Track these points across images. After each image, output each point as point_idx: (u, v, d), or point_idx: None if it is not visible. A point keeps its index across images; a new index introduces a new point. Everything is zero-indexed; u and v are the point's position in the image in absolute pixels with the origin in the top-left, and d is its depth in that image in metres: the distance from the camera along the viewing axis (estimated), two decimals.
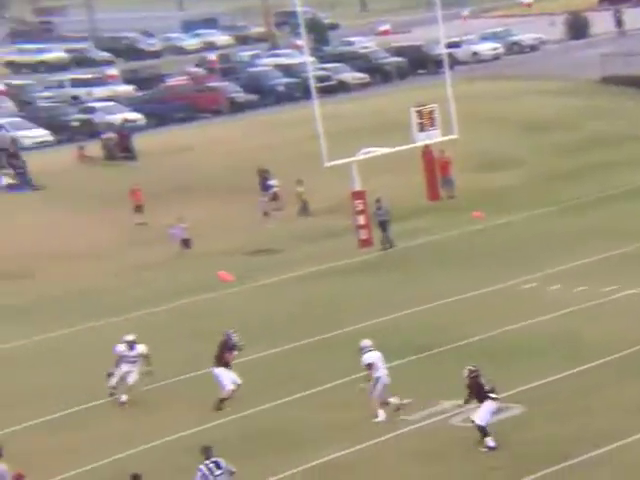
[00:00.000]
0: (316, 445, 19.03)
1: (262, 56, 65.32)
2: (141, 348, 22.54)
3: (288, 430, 19.93)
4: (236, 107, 55.07)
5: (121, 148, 46.16)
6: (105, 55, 74.57)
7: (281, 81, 57.74)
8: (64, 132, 50.96)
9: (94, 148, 46.29)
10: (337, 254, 31.38)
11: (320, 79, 53.24)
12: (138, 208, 39.12)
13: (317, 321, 26.13)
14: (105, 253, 36.25)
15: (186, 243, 35.47)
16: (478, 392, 18.93)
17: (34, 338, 27.20)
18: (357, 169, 35.03)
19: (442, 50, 42.23)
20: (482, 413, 18.71)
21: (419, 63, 62.14)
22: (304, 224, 37.43)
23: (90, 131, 49.98)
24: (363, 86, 59.08)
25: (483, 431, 18.65)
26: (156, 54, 75.81)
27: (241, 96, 56.01)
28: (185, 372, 23.76)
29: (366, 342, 20.73)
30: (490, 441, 18.52)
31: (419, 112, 37.22)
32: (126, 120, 49.70)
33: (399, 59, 61.74)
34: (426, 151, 39.50)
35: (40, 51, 74.94)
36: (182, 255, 35.08)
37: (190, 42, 79.25)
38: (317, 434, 19.61)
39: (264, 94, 56.51)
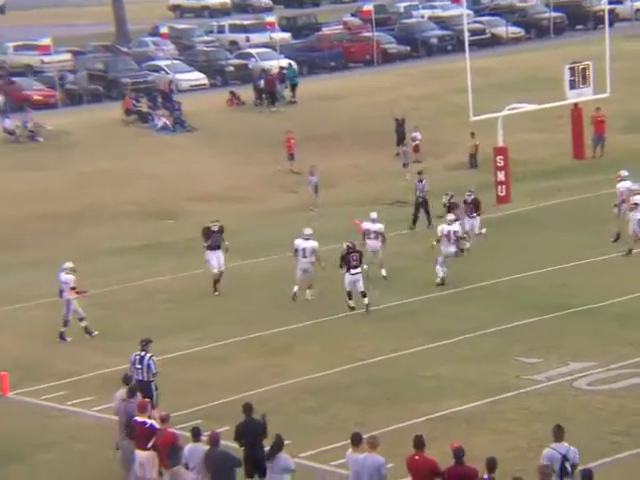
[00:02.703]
0: (440, 396, 19.35)
1: (418, 8, 65.14)
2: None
3: (413, 380, 20.30)
4: (388, 58, 55.32)
5: (268, 93, 47.14)
6: (266, 2, 75.52)
7: (434, 33, 57.62)
8: (219, 76, 52.28)
9: (246, 93, 47.36)
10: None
11: (474, 32, 53.01)
12: (291, 155, 39.93)
13: (449, 276, 26.42)
14: (248, 196, 37.26)
15: (315, 191, 36.20)
16: None
17: (181, 274, 28.32)
18: (502, 125, 34.96)
19: (604, 5, 41.43)
20: None
21: (578, 18, 61.00)
22: (441, 177, 37.62)
23: (244, 76, 51.09)
24: (517, 40, 58.46)
25: None
26: (315, 2, 76.38)
27: (393, 47, 56.20)
28: (320, 316, 24.38)
29: None
30: None
31: (572, 69, 36.82)
32: (280, 67, 50.54)
33: (557, 14, 60.74)
34: (576, 109, 39.09)
35: None
36: (316, 203, 35.75)
37: None
38: (442, 386, 19.94)
39: (417, 46, 56.57)
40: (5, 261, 31.03)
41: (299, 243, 25.31)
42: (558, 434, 14.48)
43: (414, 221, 31.41)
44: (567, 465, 14.22)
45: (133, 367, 18.40)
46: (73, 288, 23.79)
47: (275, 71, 50.45)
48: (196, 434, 15.49)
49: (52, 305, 26.22)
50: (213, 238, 26.56)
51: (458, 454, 14.16)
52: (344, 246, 24.71)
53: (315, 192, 36.08)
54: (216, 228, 26.69)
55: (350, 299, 24.60)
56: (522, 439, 17.45)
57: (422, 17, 61.89)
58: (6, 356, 22.28)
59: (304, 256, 25.17)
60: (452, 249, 26.09)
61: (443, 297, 25.15)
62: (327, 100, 46.89)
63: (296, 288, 25.36)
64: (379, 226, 26.70)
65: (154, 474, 16.00)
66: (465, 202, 29.16)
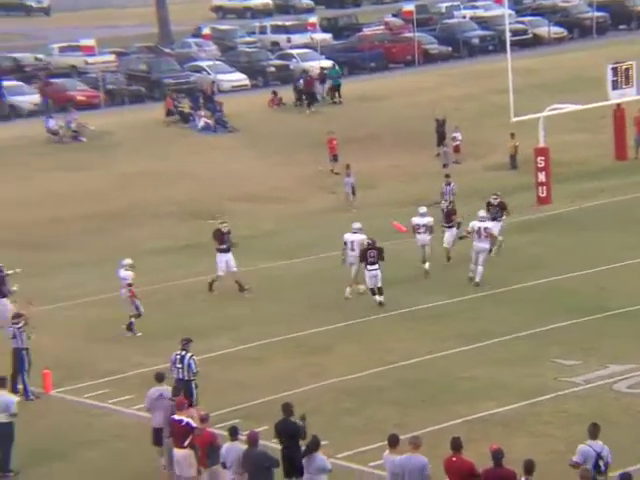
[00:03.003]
0: (476, 398, 19.35)
1: (459, 8, 65.04)
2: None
3: (449, 382, 20.33)
4: (429, 58, 55.29)
5: (308, 94, 47.30)
6: (308, 2, 75.72)
7: (476, 33, 57.54)
8: (260, 77, 52.51)
9: (287, 94, 47.53)
10: (513, 210, 31.28)
11: (516, 32, 52.86)
12: (334, 157, 40.03)
13: (486, 278, 26.42)
14: (288, 197, 37.42)
15: (353, 191, 36.27)
16: None
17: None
18: (543, 125, 34.85)
19: None
20: None
21: (621, 18, 60.63)
22: (481, 178, 37.57)
23: (285, 77, 51.27)
24: (559, 40, 58.20)
25: None
26: (356, 3, 76.45)
27: (434, 47, 56.19)
28: (356, 317, 24.43)
29: None
30: None
31: (615, 69, 36.61)
32: (321, 68, 50.68)
33: (600, 13, 60.40)
34: (618, 109, 38.86)
35: None
36: (352, 204, 35.82)
37: None
38: (478, 388, 19.94)
39: (458, 46, 56.48)
40: (49, 261, 31.36)
41: (348, 237, 25.72)
42: (594, 432, 14.49)
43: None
44: (601, 463, 14.23)
45: (173, 366, 18.59)
46: (130, 285, 24.08)
47: (316, 72, 50.62)
48: (233, 433, 15.63)
49: (94, 304, 26.54)
50: (224, 240, 26.76)
51: (497, 456, 14.19)
52: (364, 242, 25.03)
53: (353, 193, 36.14)
54: (226, 230, 26.91)
55: (374, 294, 24.90)
56: (560, 442, 17.41)
57: (464, 17, 61.80)
58: (49, 355, 22.56)
59: (352, 249, 25.52)
60: (485, 245, 26.11)
61: (480, 299, 25.13)
62: (368, 101, 46.97)
63: (348, 290, 25.47)
64: (428, 219, 26.93)
65: (191, 472, 16.16)
66: (490, 205, 28.24)
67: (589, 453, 14.29)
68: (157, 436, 17.40)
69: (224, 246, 26.66)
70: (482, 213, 26.62)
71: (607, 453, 14.33)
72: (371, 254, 24.86)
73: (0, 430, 18.00)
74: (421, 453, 14.63)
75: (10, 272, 25.05)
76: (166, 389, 17.50)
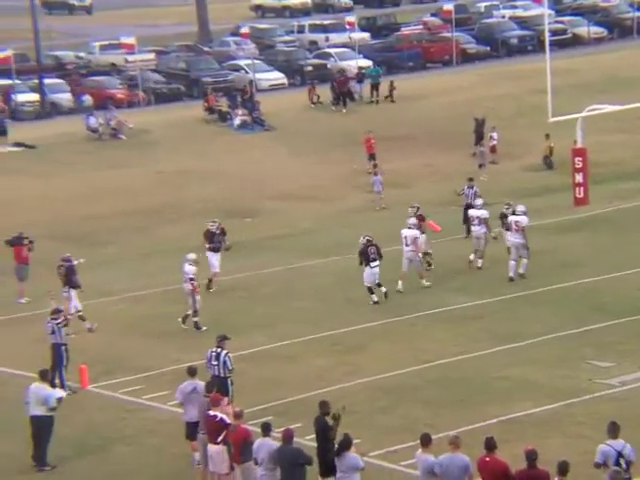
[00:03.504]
0: (510, 399, 19.33)
1: (499, 7, 64.82)
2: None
3: (483, 382, 20.31)
4: (467, 58, 55.17)
5: (341, 93, 47.35)
6: (346, 2, 75.73)
7: (515, 33, 57.31)
8: (298, 76, 52.61)
9: (324, 93, 47.61)
10: (550, 211, 31.32)
11: (555, 32, 52.60)
12: (371, 156, 40.09)
13: (522, 277, 26.38)
14: (324, 195, 37.50)
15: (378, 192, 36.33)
16: None
17: (257, 272, 28.63)
18: (582, 126, 34.67)
19: None
20: None
21: None
22: (518, 179, 37.48)
23: (323, 76, 51.34)
24: (599, 40, 57.85)
25: None
26: (395, 2, 76.38)
27: (473, 47, 56.04)
28: (390, 316, 24.54)
29: None
30: None
31: None
32: (359, 67, 50.72)
33: None
34: None
35: None
36: (378, 202, 35.82)
37: None
38: (512, 388, 19.91)
39: (496, 46, 56.30)
40: (88, 257, 31.60)
41: (403, 232, 26.20)
42: (613, 430, 14.48)
43: (468, 230, 30.04)
44: (622, 462, 14.20)
45: (209, 363, 18.71)
46: (192, 279, 24.31)
47: (353, 71, 50.65)
48: (266, 429, 15.70)
49: (133, 300, 26.80)
50: (214, 240, 27.04)
51: (531, 456, 14.20)
52: (362, 240, 25.21)
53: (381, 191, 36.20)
54: (216, 229, 27.23)
55: (372, 293, 25.14)
56: (594, 443, 17.15)
57: (503, 17, 61.57)
58: (86, 350, 22.80)
59: (406, 244, 25.98)
60: (519, 239, 26.12)
61: (515, 299, 25.09)
62: (405, 100, 46.95)
63: (400, 283, 25.77)
64: (482, 212, 26.98)
65: (224, 468, 16.27)
66: (504, 216, 27.28)
67: (609, 452, 14.28)
68: (190, 430, 17.54)
69: (213, 245, 27.06)
70: (520, 207, 26.66)
71: (629, 451, 14.30)
72: (371, 250, 25.13)
73: (38, 423, 18.20)
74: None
75: (75, 262, 25.38)
76: (198, 383, 17.63)
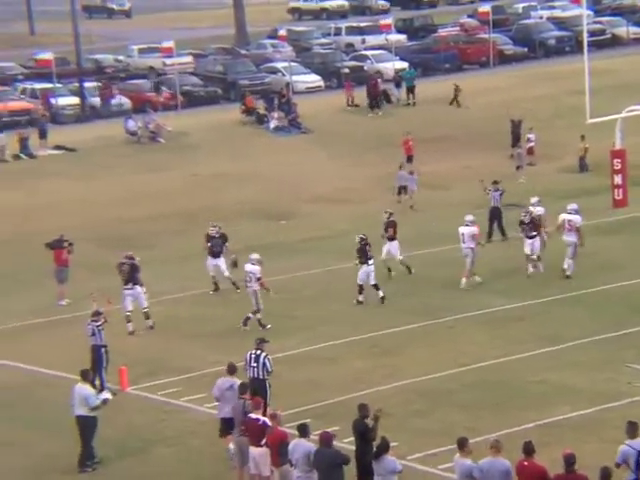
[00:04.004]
0: (548, 403, 19.32)
1: (537, 8, 64.58)
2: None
3: (521, 385, 20.31)
4: (504, 59, 55.01)
5: (375, 96, 47.35)
6: (383, 4, 75.75)
7: (552, 34, 57.08)
8: (335, 78, 52.69)
9: (360, 95, 47.64)
10: (588, 213, 31.05)
11: (594, 33, 52.32)
12: (409, 157, 40.08)
13: (561, 279, 26.29)
14: (360, 197, 37.53)
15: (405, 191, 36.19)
16: None
17: (295, 274, 28.77)
18: (621, 127, 34.50)
19: None
20: None
21: None
22: (555, 180, 37.30)
23: (359, 78, 51.38)
24: (639, 41, 57.46)
25: None
26: (432, 3, 76.30)
27: (510, 48, 55.87)
28: (429, 318, 24.53)
29: None
30: None
31: None
32: (396, 70, 50.71)
33: None
34: None
35: None
36: (408, 201, 35.71)
37: None
38: (551, 392, 19.87)
39: (534, 47, 56.10)
40: None
41: (460, 229, 26.67)
42: (631, 430, 14.44)
43: (489, 234, 30.25)
44: None
45: (248, 365, 18.82)
46: (258, 279, 24.51)
47: (390, 74, 50.66)
48: (302, 431, 15.75)
49: (172, 302, 26.96)
50: (213, 243, 27.13)
51: (569, 461, 14.19)
52: (357, 239, 25.52)
53: (412, 191, 36.19)
54: (215, 233, 27.30)
55: (360, 293, 25.35)
56: None
57: (540, 18, 61.33)
58: (126, 352, 22.99)
59: (463, 242, 26.43)
60: (571, 238, 26.34)
61: (555, 301, 25.03)
62: (441, 102, 46.88)
63: (464, 281, 26.13)
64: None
65: (267, 471, 16.36)
66: (522, 222, 27.12)
67: (628, 452, 14.26)
68: (225, 426, 17.63)
69: (211, 248, 27.17)
70: (571, 206, 26.68)
71: None
72: (368, 249, 25.46)
73: (81, 423, 18.38)
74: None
75: (138, 259, 25.66)
76: (236, 382, 17.71)
